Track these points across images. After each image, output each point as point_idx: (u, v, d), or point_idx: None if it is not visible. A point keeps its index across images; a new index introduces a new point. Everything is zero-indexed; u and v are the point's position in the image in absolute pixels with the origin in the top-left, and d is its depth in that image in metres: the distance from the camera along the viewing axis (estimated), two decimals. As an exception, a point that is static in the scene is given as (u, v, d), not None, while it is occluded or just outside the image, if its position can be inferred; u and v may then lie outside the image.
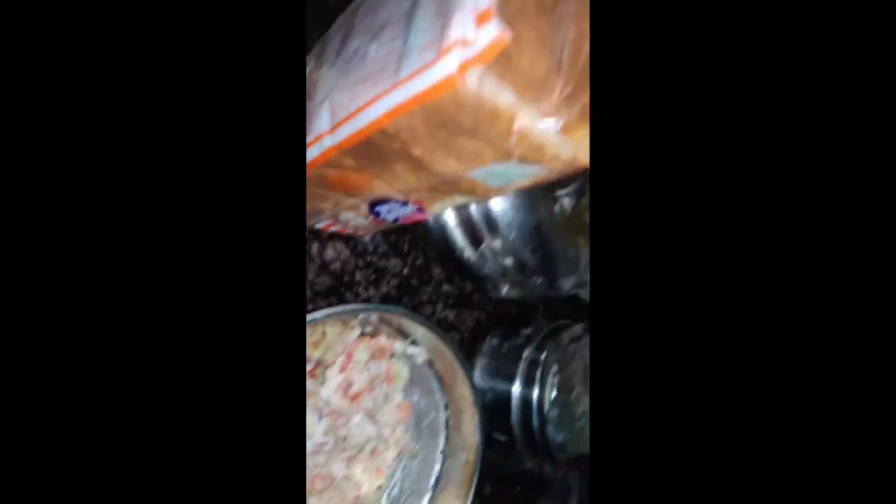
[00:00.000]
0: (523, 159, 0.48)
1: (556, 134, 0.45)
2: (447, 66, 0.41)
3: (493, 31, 0.40)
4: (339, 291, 0.94)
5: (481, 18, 0.40)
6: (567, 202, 0.87)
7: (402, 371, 0.94)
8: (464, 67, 0.41)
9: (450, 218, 0.88)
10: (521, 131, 0.45)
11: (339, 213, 0.77)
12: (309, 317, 0.72)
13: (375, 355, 0.91)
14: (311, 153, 0.57)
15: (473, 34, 0.40)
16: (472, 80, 0.41)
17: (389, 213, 0.71)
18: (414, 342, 0.93)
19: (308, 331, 0.83)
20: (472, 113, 0.43)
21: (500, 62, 0.41)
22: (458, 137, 0.47)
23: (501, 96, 0.43)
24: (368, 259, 0.95)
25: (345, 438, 0.88)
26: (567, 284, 0.94)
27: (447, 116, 0.44)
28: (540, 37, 0.43)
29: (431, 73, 0.42)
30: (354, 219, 0.78)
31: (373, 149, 0.51)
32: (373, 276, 0.96)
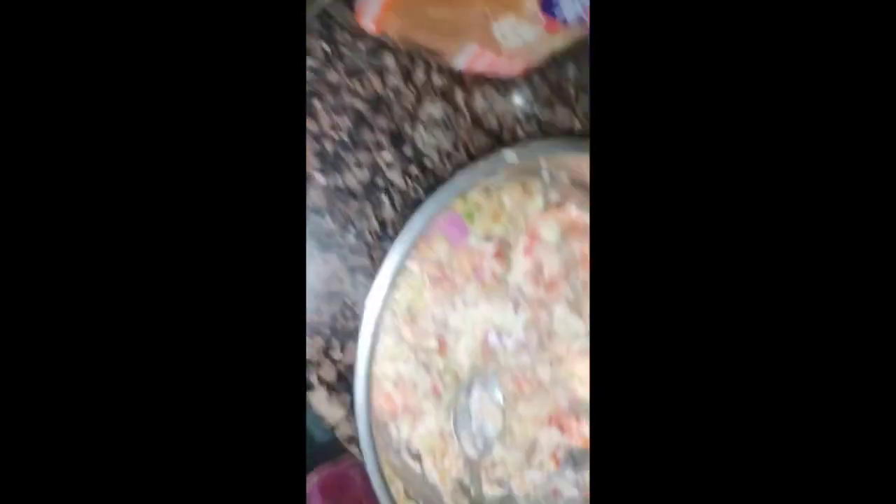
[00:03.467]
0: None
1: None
2: None
3: None
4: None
5: None
6: None
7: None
8: None
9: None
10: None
11: (492, 25, 0.55)
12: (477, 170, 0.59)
13: (567, 232, 0.74)
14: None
15: None
16: None
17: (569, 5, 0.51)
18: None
19: (483, 200, 0.70)
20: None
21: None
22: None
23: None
24: (530, 109, 0.72)
25: (549, 335, 0.75)
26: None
27: None
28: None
29: None
30: (515, 30, 0.56)
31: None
32: (538, 132, 0.73)
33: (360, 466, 0.51)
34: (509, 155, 0.55)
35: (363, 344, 0.55)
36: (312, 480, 0.99)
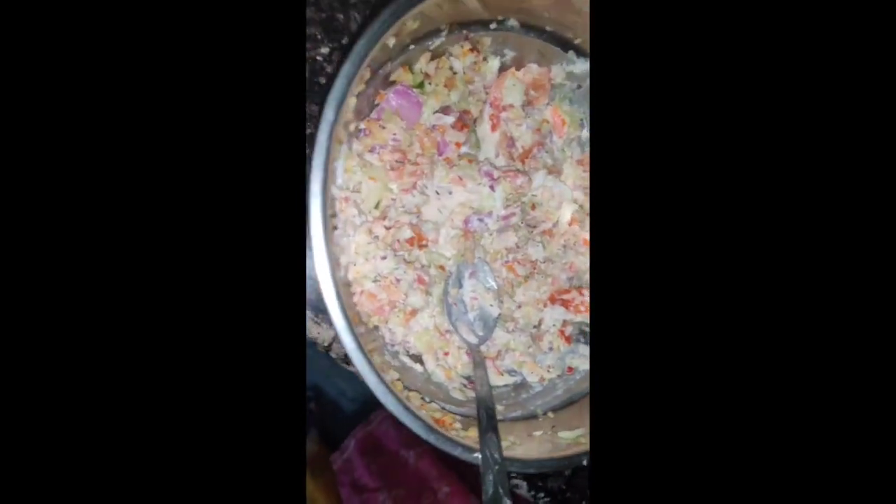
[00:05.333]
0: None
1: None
2: None
3: None
4: None
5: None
6: None
7: (574, 111, 0.70)
8: None
9: None
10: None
11: None
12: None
13: (531, 96, 0.67)
14: None
15: None
16: None
17: None
18: (580, 50, 0.65)
19: (430, 64, 0.63)
20: None
21: None
22: None
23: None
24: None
25: (533, 206, 0.69)
26: None
27: None
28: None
29: None
30: None
31: None
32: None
33: (391, 416, 0.48)
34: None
35: (316, 236, 0.49)
36: (350, 444, 0.97)
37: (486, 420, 0.52)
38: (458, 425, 0.56)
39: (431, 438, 0.49)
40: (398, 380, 0.58)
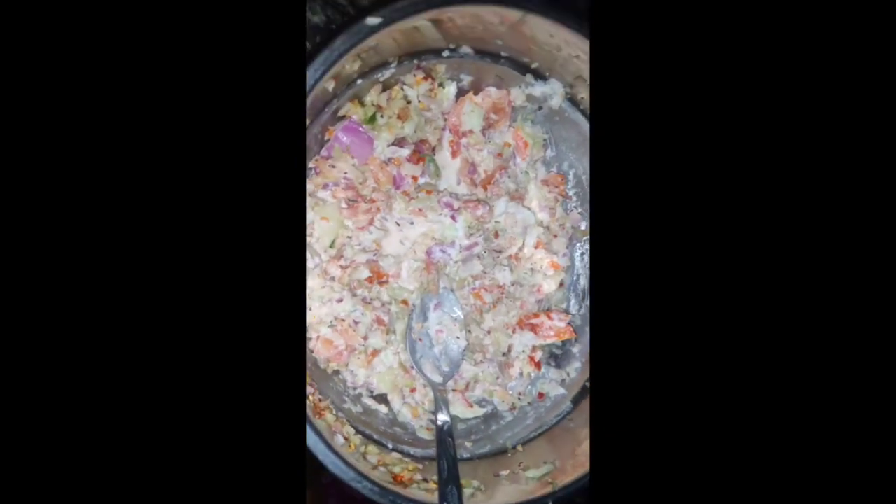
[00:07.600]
0: None
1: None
2: None
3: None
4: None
5: None
6: None
7: (536, 132, 0.68)
8: None
9: None
10: None
11: None
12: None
13: (491, 120, 0.66)
14: None
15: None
16: None
17: None
18: (537, 73, 0.63)
19: (382, 95, 0.61)
20: None
21: None
22: None
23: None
24: None
25: (497, 234, 0.67)
26: None
27: None
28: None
29: None
30: None
31: None
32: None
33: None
34: (370, 19, 0.47)
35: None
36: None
37: (447, 471, 0.51)
38: (418, 476, 0.55)
39: (386, 501, 0.48)
40: (356, 434, 0.56)
